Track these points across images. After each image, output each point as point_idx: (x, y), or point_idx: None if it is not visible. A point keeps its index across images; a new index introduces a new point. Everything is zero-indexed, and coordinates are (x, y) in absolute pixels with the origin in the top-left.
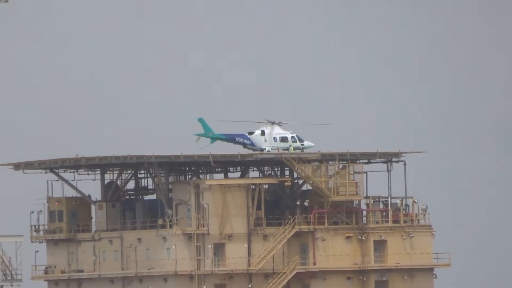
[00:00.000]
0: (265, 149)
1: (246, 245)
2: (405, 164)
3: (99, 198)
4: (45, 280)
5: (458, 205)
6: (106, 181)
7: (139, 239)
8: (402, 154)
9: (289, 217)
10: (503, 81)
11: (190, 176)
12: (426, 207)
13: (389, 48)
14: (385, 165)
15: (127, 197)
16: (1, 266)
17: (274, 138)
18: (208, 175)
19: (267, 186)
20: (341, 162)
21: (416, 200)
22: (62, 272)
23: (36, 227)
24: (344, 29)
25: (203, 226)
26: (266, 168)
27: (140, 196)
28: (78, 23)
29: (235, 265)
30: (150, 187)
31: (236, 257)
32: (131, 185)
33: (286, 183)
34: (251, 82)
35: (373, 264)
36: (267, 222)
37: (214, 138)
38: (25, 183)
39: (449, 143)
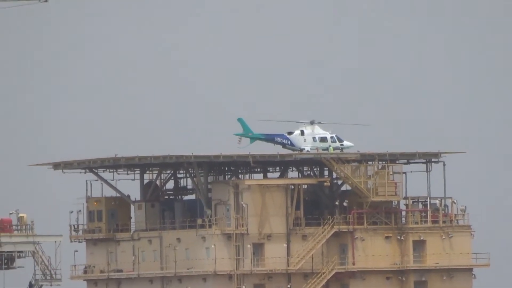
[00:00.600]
0: (304, 149)
1: (285, 245)
2: (444, 165)
3: (138, 198)
4: (84, 280)
5: (497, 205)
6: (145, 181)
7: (178, 239)
8: (442, 155)
9: (328, 217)
10: None
11: (229, 176)
12: (465, 207)
13: (425, 47)
14: (424, 165)
15: (166, 197)
16: (40, 265)
17: (314, 138)
18: (247, 175)
19: (306, 186)
20: (380, 162)
21: (455, 201)
22: (101, 271)
23: (75, 226)
24: (379, 28)
25: (242, 226)
26: (305, 168)
27: (179, 196)
28: (107, 23)
29: (274, 265)
30: (189, 187)
31: (275, 257)
32: (170, 185)
33: (325, 183)
34: (291, 82)
35: (412, 264)
36: (306, 222)
37: (253, 138)
38: (64, 183)
39: (488, 144)
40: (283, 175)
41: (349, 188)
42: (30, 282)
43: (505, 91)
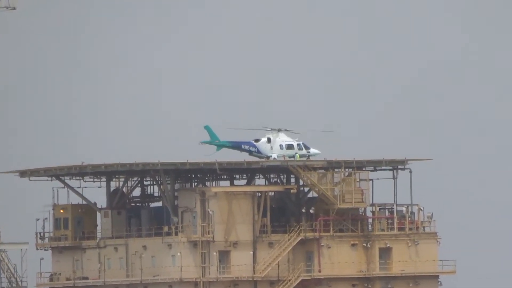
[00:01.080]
0: (271, 156)
1: (251, 253)
2: (410, 172)
3: (104, 205)
4: None
5: (464, 212)
6: (112, 189)
7: (145, 247)
8: (408, 162)
9: (295, 224)
10: (504, 83)
11: (196, 184)
12: (432, 214)
13: (392, 52)
14: (391, 172)
15: (133, 204)
16: (6, 273)
17: (280, 145)
18: (214, 183)
19: (273, 193)
20: (347, 170)
21: (421, 208)
22: (67, 279)
23: (42, 234)
24: (345, 32)
25: (209, 234)
26: (272, 176)
27: (146, 204)
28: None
29: (240, 272)
30: (156, 194)
31: (241, 264)
32: (137, 192)
33: (292, 191)
34: (257, 90)
35: (378, 272)
36: (273, 229)
37: (220, 146)
38: (31, 190)
39: (454, 150)
40: (249, 182)
41: (315, 195)
42: None
43: (470, 97)
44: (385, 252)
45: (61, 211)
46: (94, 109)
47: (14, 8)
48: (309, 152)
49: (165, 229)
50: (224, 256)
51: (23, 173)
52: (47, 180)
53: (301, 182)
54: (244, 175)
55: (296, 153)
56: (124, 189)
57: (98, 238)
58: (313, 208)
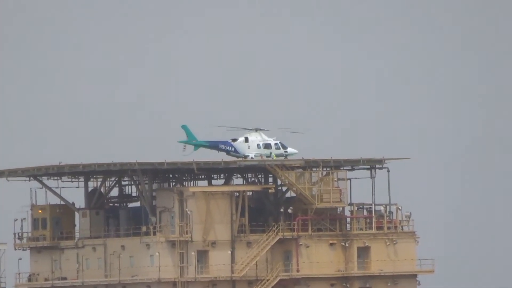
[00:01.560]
0: (248, 156)
1: (229, 252)
2: (388, 171)
3: (82, 205)
4: None
5: (442, 211)
6: (89, 189)
7: (123, 247)
8: (386, 161)
9: (273, 224)
10: (485, 82)
11: (173, 183)
12: (410, 213)
13: (373, 53)
14: (368, 171)
15: (111, 204)
16: None
17: (258, 145)
18: (191, 182)
19: (250, 193)
20: (324, 169)
21: (400, 207)
22: (46, 279)
23: (20, 234)
24: (326, 31)
25: (187, 233)
26: (249, 175)
27: (124, 204)
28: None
29: (218, 272)
30: (134, 194)
31: (219, 264)
32: (114, 192)
33: (269, 190)
34: (234, 88)
35: (357, 271)
36: (251, 229)
37: (197, 145)
38: (8, 191)
39: (432, 150)
40: (227, 182)
41: (293, 195)
42: None
43: (447, 96)
44: (364, 252)
45: (39, 211)
46: (72, 108)
47: None
48: (286, 151)
49: (143, 229)
50: (202, 256)
51: (0, 173)
52: (25, 180)
53: (279, 182)
54: (222, 174)
55: (271, 152)
56: (102, 189)
57: (76, 238)
58: (291, 207)
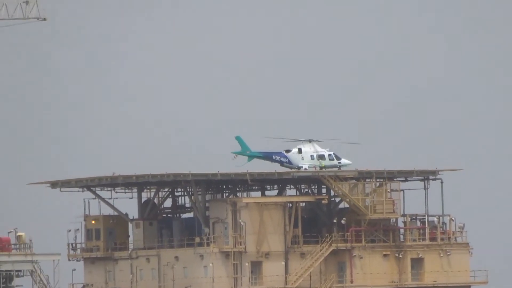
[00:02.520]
0: (302, 167)
1: (283, 263)
2: (442, 182)
3: (136, 216)
4: None
5: (495, 222)
6: (143, 199)
7: (177, 257)
8: (439, 172)
9: (326, 235)
10: None
11: (227, 194)
12: (463, 225)
13: (424, 64)
14: (422, 183)
15: (164, 215)
16: (39, 284)
17: (311, 156)
18: (245, 193)
19: (304, 204)
20: (378, 180)
21: (453, 218)
22: None
23: (74, 245)
24: (379, 46)
25: (240, 244)
26: (303, 186)
27: (177, 214)
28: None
29: (272, 283)
30: (187, 205)
31: (273, 275)
32: (168, 203)
33: (323, 201)
34: (289, 100)
35: (411, 282)
36: (304, 240)
37: (251, 156)
38: (62, 201)
39: (485, 161)
40: (281, 193)
41: (347, 205)
42: None
43: (501, 107)
44: (417, 263)
45: (93, 222)
46: (127, 120)
47: (44, 19)
48: (340, 162)
49: (197, 240)
50: (256, 266)
51: (54, 184)
52: (78, 191)
53: (332, 193)
54: (275, 185)
55: (319, 162)
56: (156, 200)
57: (130, 249)
58: (344, 218)
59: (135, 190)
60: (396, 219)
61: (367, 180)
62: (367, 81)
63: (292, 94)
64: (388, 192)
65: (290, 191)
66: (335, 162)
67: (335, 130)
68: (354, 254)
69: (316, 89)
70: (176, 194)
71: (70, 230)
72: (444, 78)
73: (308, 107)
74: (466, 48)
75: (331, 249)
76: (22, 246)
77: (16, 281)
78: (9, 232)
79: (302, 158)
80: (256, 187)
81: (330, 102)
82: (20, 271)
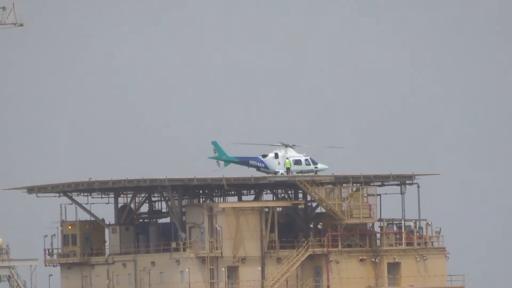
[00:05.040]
0: (278, 172)
1: (259, 268)
2: (418, 187)
3: (112, 221)
4: None
5: (472, 227)
6: (119, 205)
7: (153, 263)
8: (416, 177)
9: (303, 240)
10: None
11: (203, 199)
12: (440, 229)
13: (401, 67)
14: (398, 187)
15: (141, 220)
16: None
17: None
18: (221, 198)
19: (280, 209)
20: (354, 185)
21: (430, 223)
22: None
23: (50, 250)
24: (359, 48)
25: (217, 249)
26: (279, 191)
27: (154, 220)
28: (93, 39)
29: None
30: (163, 210)
31: (249, 280)
32: (144, 208)
33: (299, 206)
34: (264, 105)
35: (387, 287)
36: (281, 245)
37: (227, 161)
38: (38, 207)
39: (462, 166)
40: (257, 198)
41: (323, 210)
42: None
43: (478, 111)
44: (394, 267)
45: (69, 227)
46: (102, 125)
47: (21, 25)
48: (316, 167)
49: (173, 245)
50: (232, 271)
51: (30, 190)
52: (55, 196)
53: (308, 198)
54: (252, 190)
55: (287, 159)
56: (132, 205)
57: (106, 254)
58: (321, 223)
59: (112, 195)
60: (373, 224)
61: (344, 185)
62: (340, 85)
63: (268, 100)
64: (365, 196)
65: (267, 196)
66: (312, 167)
67: (313, 135)
68: (330, 259)
69: (296, 96)
70: (153, 199)
71: (46, 236)
72: (423, 82)
73: (287, 114)
74: (447, 53)
75: (307, 254)
76: None
77: None
78: None
79: (279, 163)
80: (233, 192)
81: (309, 108)
82: None
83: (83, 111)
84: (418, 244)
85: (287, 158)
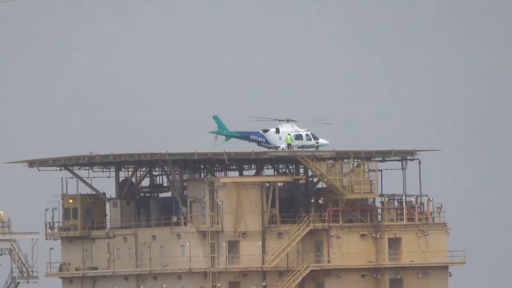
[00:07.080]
0: (279, 146)
1: (260, 243)
2: (419, 162)
3: (113, 195)
4: (59, 277)
5: (473, 202)
6: (120, 179)
7: (154, 237)
8: (417, 152)
9: (304, 215)
10: None
11: (204, 174)
12: (441, 205)
13: (402, 46)
14: (399, 163)
15: (142, 194)
16: (17, 263)
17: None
18: (222, 173)
19: (281, 184)
20: (355, 160)
21: (431, 198)
22: (77, 269)
23: (51, 224)
24: (359, 28)
25: (218, 224)
26: (280, 166)
27: (155, 194)
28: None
29: (249, 262)
30: (164, 184)
31: (250, 254)
32: (145, 182)
33: (300, 181)
34: (267, 80)
35: (388, 262)
36: (282, 219)
37: (228, 136)
38: (39, 181)
39: (463, 141)
40: (258, 172)
41: (324, 186)
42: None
43: (480, 89)
44: (395, 243)
45: (70, 201)
46: (104, 99)
47: None
48: (317, 142)
49: (174, 219)
50: (233, 246)
51: (32, 163)
52: (56, 170)
53: (310, 173)
54: (253, 165)
55: (287, 135)
56: (133, 179)
57: (107, 228)
58: (322, 198)
59: (113, 169)
60: (374, 199)
61: (345, 160)
62: (348, 62)
63: (271, 75)
64: (366, 172)
65: (268, 171)
66: (313, 142)
67: (314, 111)
68: (331, 234)
69: (294, 70)
70: (154, 173)
71: (47, 209)
72: (426, 56)
73: (288, 88)
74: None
75: (308, 229)
76: (1, 225)
77: None
78: None
79: (280, 138)
80: (234, 167)
81: (311, 84)
82: None
83: (82, 85)
84: (419, 219)
85: (288, 134)
